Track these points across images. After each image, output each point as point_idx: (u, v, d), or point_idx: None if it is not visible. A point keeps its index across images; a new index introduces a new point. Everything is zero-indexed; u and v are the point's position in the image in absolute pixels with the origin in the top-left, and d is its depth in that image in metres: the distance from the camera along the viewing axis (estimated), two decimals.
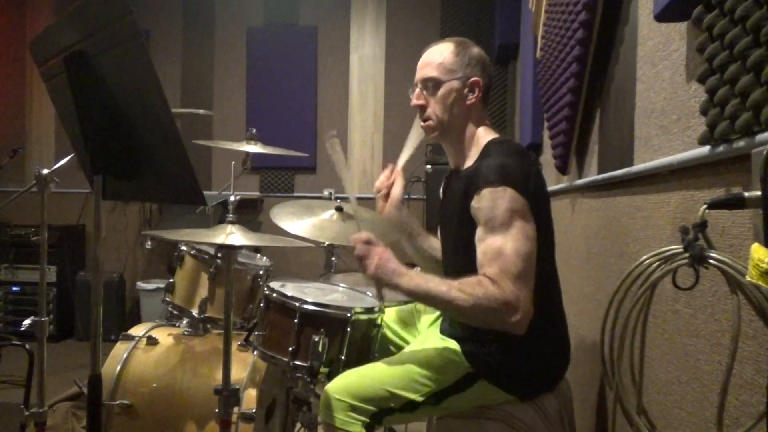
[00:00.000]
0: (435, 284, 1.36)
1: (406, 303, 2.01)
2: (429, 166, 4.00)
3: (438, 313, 1.74)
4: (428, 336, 1.68)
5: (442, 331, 1.61)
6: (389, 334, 1.77)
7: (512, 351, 1.42)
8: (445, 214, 1.66)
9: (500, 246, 1.32)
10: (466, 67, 1.53)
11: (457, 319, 1.49)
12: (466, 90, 1.54)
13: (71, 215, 4.94)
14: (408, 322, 1.81)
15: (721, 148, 0.94)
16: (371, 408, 1.42)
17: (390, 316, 1.80)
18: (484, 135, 1.55)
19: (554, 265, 1.55)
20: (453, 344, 1.49)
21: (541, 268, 1.42)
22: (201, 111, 2.30)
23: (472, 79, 1.53)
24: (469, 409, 1.48)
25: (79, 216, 4.98)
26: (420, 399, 1.43)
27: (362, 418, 1.42)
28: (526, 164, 1.44)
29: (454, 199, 1.55)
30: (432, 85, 1.54)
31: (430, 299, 1.40)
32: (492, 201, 1.36)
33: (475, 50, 1.57)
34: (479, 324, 1.39)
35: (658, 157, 1.28)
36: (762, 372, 0.86)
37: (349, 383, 1.45)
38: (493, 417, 1.46)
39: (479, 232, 1.38)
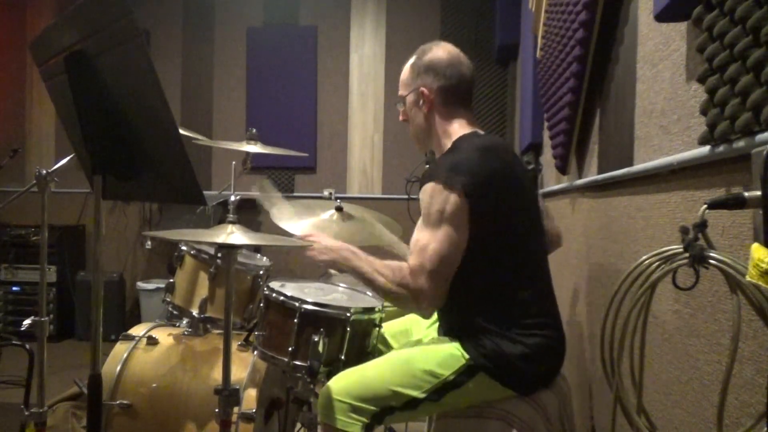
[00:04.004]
0: (361, 263, 1.52)
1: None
2: (428, 166, 4.01)
3: (433, 320, 1.75)
4: (425, 336, 1.68)
5: (440, 334, 1.61)
6: (384, 349, 1.76)
7: (508, 344, 1.43)
8: None
9: (425, 243, 1.44)
10: (416, 78, 1.63)
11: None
12: (420, 101, 1.62)
13: (71, 215, 4.94)
14: (402, 337, 1.79)
15: (721, 148, 0.94)
16: (372, 408, 1.42)
17: (386, 331, 1.80)
18: (457, 130, 1.60)
19: (535, 257, 1.54)
20: (452, 340, 1.50)
21: (521, 262, 1.49)
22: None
23: (420, 89, 1.62)
24: (470, 405, 1.48)
25: (79, 216, 4.98)
26: (421, 396, 1.43)
27: (362, 418, 1.41)
28: (483, 162, 1.46)
29: None
30: (401, 102, 1.69)
31: (356, 275, 1.55)
32: (430, 197, 1.45)
33: (427, 56, 1.63)
34: (392, 303, 1.57)
35: (658, 157, 1.28)
36: (762, 372, 0.86)
37: (349, 383, 1.45)
38: (493, 415, 1.46)
39: (419, 221, 1.50)
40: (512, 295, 1.47)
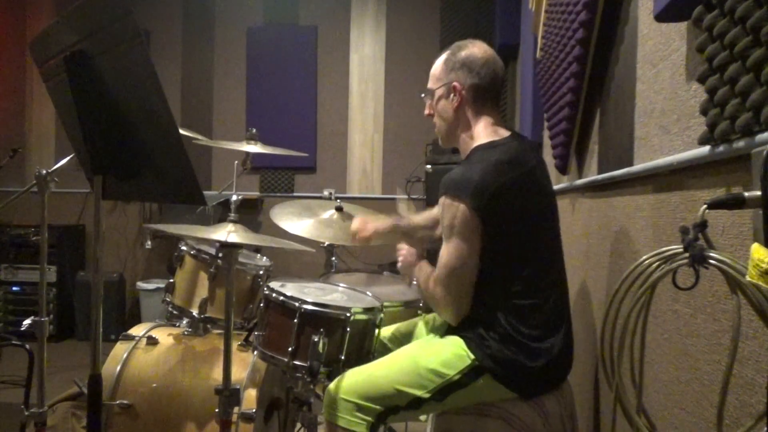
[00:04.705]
0: (420, 273, 1.62)
1: (407, 303, 2.01)
2: (429, 166, 4.00)
3: (437, 325, 1.75)
4: (431, 337, 1.68)
5: (447, 332, 1.61)
6: (384, 352, 1.75)
7: (516, 349, 1.43)
8: None
9: (441, 254, 1.50)
10: (450, 72, 1.61)
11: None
12: (451, 95, 1.60)
13: (71, 215, 4.94)
14: (405, 340, 1.79)
15: (721, 148, 0.94)
16: (378, 407, 1.42)
17: (387, 333, 1.80)
18: (479, 134, 1.58)
19: (555, 265, 1.56)
20: (458, 339, 1.50)
21: (533, 268, 1.47)
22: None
23: (453, 83, 1.59)
24: (471, 406, 1.48)
25: (79, 216, 4.98)
26: (426, 395, 1.43)
27: (367, 418, 1.42)
28: (494, 176, 1.44)
29: None
30: (429, 95, 1.67)
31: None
32: (443, 211, 1.49)
33: (463, 53, 1.60)
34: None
35: (658, 157, 1.28)
36: (762, 372, 0.86)
37: (355, 382, 1.45)
38: (493, 415, 1.47)
39: None
40: (525, 302, 1.46)
